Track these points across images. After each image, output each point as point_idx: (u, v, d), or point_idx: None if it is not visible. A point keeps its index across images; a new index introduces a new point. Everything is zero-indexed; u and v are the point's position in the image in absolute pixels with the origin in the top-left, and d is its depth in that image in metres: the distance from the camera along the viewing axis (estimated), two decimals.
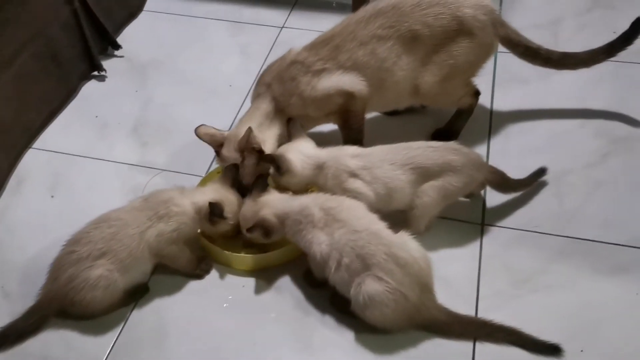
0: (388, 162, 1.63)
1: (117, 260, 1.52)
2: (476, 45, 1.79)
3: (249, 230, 1.57)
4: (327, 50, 1.77)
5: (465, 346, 1.50)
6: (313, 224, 1.51)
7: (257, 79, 1.93)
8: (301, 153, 1.70)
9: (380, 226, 1.51)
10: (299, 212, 1.54)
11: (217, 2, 2.68)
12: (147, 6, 2.69)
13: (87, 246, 1.51)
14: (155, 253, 1.57)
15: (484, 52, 1.85)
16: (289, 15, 2.60)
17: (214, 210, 1.60)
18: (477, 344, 1.50)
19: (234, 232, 1.68)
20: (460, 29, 1.77)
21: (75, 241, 1.55)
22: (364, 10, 1.79)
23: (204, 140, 1.81)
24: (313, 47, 1.81)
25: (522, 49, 1.90)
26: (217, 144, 1.80)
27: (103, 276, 1.50)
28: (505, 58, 2.19)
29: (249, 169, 1.72)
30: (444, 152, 1.63)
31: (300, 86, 1.77)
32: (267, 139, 1.79)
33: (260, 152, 1.73)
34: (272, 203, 1.61)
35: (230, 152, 1.76)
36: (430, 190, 1.62)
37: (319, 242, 1.49)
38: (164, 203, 1.58)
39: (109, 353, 1.54)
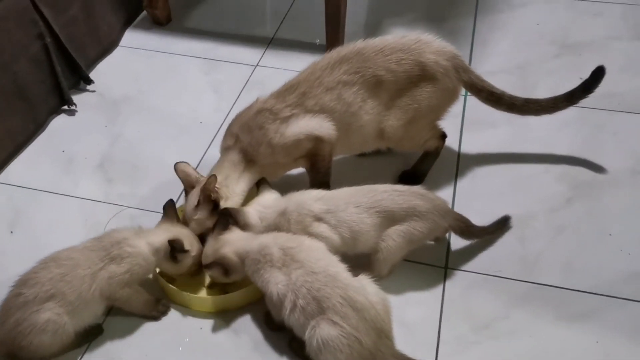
0: (353, 204, 1.62)
1: (66, 303, 1.47)
2: (439, 90, 1.82)
3: (207, 267, 1.55)
4: (294, 96, 1.78)
5: None
6: (271, 264, 1.49)
7: (226, 123, 1.92)
8: (259, 204, 1.71)
9: (339, 269, 1.49)
10: (258, 251, 1.53)
11: (194, 39, 2.70)
12: (122, 41, 2.71)
13: (34, 288, 1.46)
14: (107, 296, 1.53)
15: (447, 97, 1.87)
16: (263, 54, 2.63)
17: (175, 246, 1.57)
18: None
19: (196, 266, 1.65)
20: (423, 75, 1.79)
21: (22, 282, 1.50)
22: (329, 57, 1.81)
23: (179, 177, 1.79)
24: (280, 94, 1.81)
25: (485, 94, 1.93)
26: (189, 185, 1.78)
27: (51, 320, 1.45)
28: (474, 100, 2.23)
29: (199, 221, 1.70)
30: (410, 196, 1.64)
31: (268, 134, 1.76)
32: (232, 195, 1.77)
33: (215, 203, 1.71)
34: (233, 241, 1.59)
35: (194, 197, 1.73)
36: (395, 235, 1.61)
37: (276, 282, 1.48)
38: (117, 243, 1.55)
39: None
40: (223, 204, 1.72)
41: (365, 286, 1.49)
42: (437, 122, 1.94)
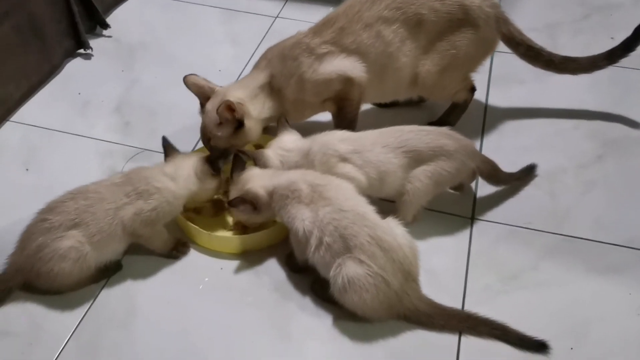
0: (380, 145, 1.57)
1: (89, 234, 1.44)
2: (478, 38, 1.76)
3: (233, 204, 1.50)
4: (331, 32, 1.72)
5: (450, 340, 1.44)
6: (299, 200, 1.45)
7: (245, 72, 1.88)
8: (280, 148, 1.65)
9: (367, 209, 1.45)
10: (287, 186, 1.48)
11: None
12: None
13: (60, 215, 1.44)
14: (130, 232, 1.49)
15: (485, 47, 1.82)
16: (284, 6, 2.56)
17: (215, 156, 1.58)
18: (463, 338, 1.44)
19: (216, 192, 1.64)
20: (465, 19, 1.73)
21: (48, 209, 1.47)
22: None
23: (191, 90, 1.74)
24: (318, 29, 1.75)
25: (523, 49, 1.87)
26: (204, 97, 1.74)
27: (73, 248, 1.42)
28: (502, 58, 2.17)
29: (222, 139, 1.68)
30: (438, 136, 1.58)
31: (301, 67, 1.71)
32: (254, 116, 1.72)
33: (240, 122, 1.67)
34: (257, 177, 1.54)
35: (214, 107, 1.68)
36: (422, 175, 1.56)
37: (303, 218, 1.43)
38: (144, 179, 1.51)
39: (73, 332, 1.46)
40: (247, 121, 1.68)
41: (393, 227, 1.45)
42: (470, 73, 1.88)
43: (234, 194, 1.55)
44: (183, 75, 2.18)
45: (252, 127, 1.72)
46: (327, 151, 1.57)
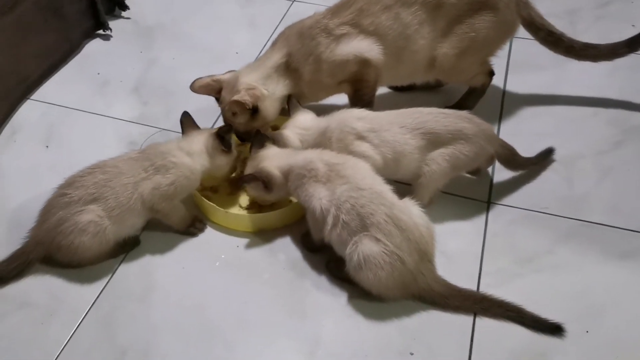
0: (397, 125, 1.56)
1: (108, 208, 1.46)
2: (498, 21, 1.74)
3: (246, 180, 1.51)
4: (349, 13, 1.72)
5: (464, 320, 1.44)
6: (316, 179, 1.45)
7: (267, 47, 1.87)
8: (298, 127, 1.65)
9: (384, 188, 1.45)
10: (303, 165, 1.48)
11: None
12: None
13: (79, 190, 1.46)
14: (149, 207, 1.51)
15: (505, 30, 1.80)
16: None
17: (223, 131, 1.58)
18: (477, 320, 1.44)
19: (233, 169, 1.66)
20: (485, 1, 1.71)
21: (67, 184, 1.49)
22: None
23: (201, 93, 1.76)
24: (337, 9, 1.75)
25: (543, 34, 1.84)
26: (216, 92, 1.76)
27: (93, 222, 1.44)
28: (521, 44, 2.15)
29: (242, 125, 1.70)
30: (457, 119, 1.57)
31: (319, 47, 1.71)
32: (269, 95, 1.73)
33: (254, 109, 1.67)
34: (272, 156, 1.55)
35: (227, 97, 1.70)
36: (440, 158, 1.56)
37: (320, 197, 1.43)
38: (161, 154, 1.52)
39: (92, 305, 1.48)
40: (262, 105, 1.69)
41: (410, 207, 1.45)
42: (489, 57, 1.86)
43: (249, 170, 1.56)
44: (200, 58, 2.23)
45: (269, 106, 1.73)
46: (345, 128, 1.57)
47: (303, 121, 1.67)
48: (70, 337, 1.42)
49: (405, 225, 1.39)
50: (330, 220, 1.42)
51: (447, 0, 1.70)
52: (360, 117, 1.60)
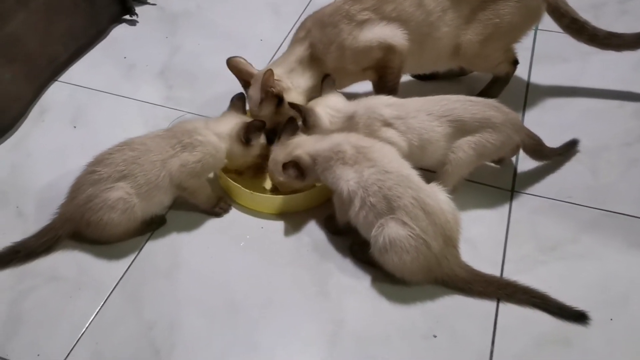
0: (425, 112, 1.56)
1: (137, 185, 1.48)
2: (523, 7, 1.74)
3: (284, 167, 1.52)
4: None
5: (488, 305, 1.44)
6: (343, 161, 1.46)
7: (286, 42, 1.89)
8: (329, 107, 1.65)
9: (411, 172, 1.45)
10: (330, 148, 1.49)
11: None
12: None
13: (108, 167, 1.48)
14: (176, 184, 1.53)
15: (530, 16, 1.79)
16: None
17: (252, 127, 1.57)
18: (501, 305, 1.44)
19: (263, 158, 1.64)
20: None
21: (97, 161, 1.51)
22: None
23: (232, 72, 1.76)
24: None
25: (567, 21, 1.83)
26: (243, 80, 1.76)
27: (122, 199, 1.46)
28: (545, 36, 2.14)
29: (267, 117, 1.68)
30: (484, 107, 1.57)
31: (341, 34, 1.70)
32: (294, 88, 1.74)
33: (279, 97, 1.68)
34: (304, 143, 1.56)
35: (255, 92, 1.71)
36: (466, 146, 1.56)
37: (347, 179, 1.44)
38: (188, 133, 1.54)
39: (119, 280, 1.50)
40: (287, 97, 1.69)
41: (436, 192, 1.45)
42: (513, 44, 1.86)
43: (280, 156, 1.56)
44: (225, 44, 2.24)
45: (294, 99, 1.72)
46: (372, 115, 1.58)
47: (334, 103, 1.66)
48: (98, 310, 1.44)
49: (432, 209, 1.39)
50: (357, 202, 1.42)
51: None
52: (388, 104, 1.60)
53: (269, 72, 1.65)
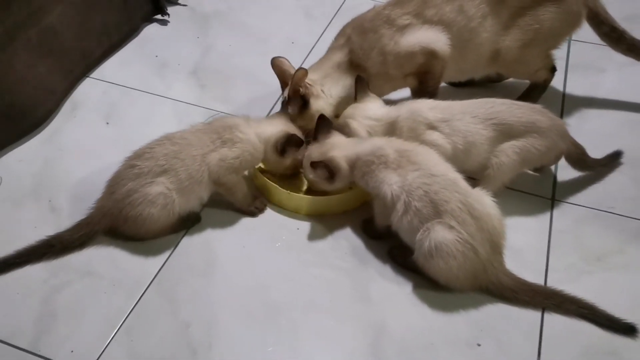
0: (470, 114, 1.54)
1: (177, 180, 1.45)
2: (563, 12, 1.72)
3: (313, 166, 1.49)
4: (413, 4, 1.70)
5: (533, 315, 1.40)
6: (386, 165, 1.43)
7: (318, 45, 1.86)
8: (367, 117, 1.61)
9: (457, 175, 1.42)
10: (372, 152, 1.46)
11: None
12: None
13: (149, 161, 1.45)
14: (214, 179, 1.50)
15: (570, 21, 1.76)
16: None
17: (291, 141, 1.54)
18: (546, 315, 1.40)
19: (293, 170, 1.62)
20: None
21: (137, 156, 1.49)
22: None
23: (274, 71, 1.73)
24: (399, 1, 1.72)
25: (606, 29, 1.81)
26: (284, 82, 1.74)
27: (162, 193, 1.44)
28: (578, 47, 2.12)
29: (292, 115, 1.66)
30: (530, 111, 1.54)
31: (383, 40, 1.68)
32: (323, 96, 1.70)
33: (304, 99, 1.65)
34: (342, 145, 1.53)
35: (285, 93, 1.69)
36: (510, 150, 1.53)
37: (391, 183, 1.41)
38: (229, 128, 1.52)
39: (154, 276, 1.47)
40: (313, 102, 1.66)
41: (483, 197, 1.42)
42: (552, 50, 1.83)
43: (314, 153, 1.54)
44: (256, 45, 2.22)
45: (321, 108, 1.69)
46: (417, 118, 1.55)
47: (372, 111, 1.62)
48: (133, 307, 1.41)
49: (479, 214, 1.36)
50: (400, 207, 1.39)
51: None
52: (432, 107, 1.57)
53: (301, 71, 1.63)
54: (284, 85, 1.74)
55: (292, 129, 1.59)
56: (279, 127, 1.57)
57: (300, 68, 1.65)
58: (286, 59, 1.74)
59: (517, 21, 1.71)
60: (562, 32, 1.79)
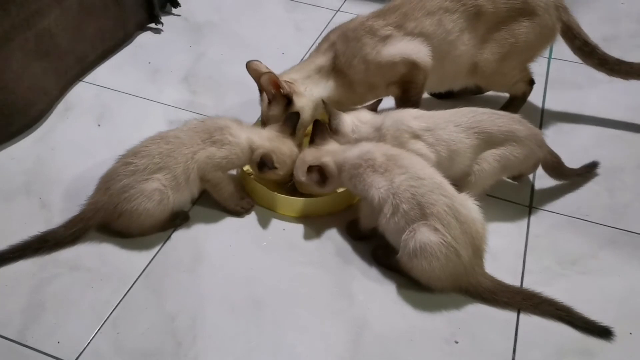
0: (453, 123, 1.59)
1: (171, 177, 1.50)
2: (537, 26, 1.79)
3: (308, 169, 1.53)
4: (395, 16, 1.76)
5: (509, 315, 1.45)
6: (373, 169, 1.47)
7: (309, 50, 1.91)
8: (357, 118, 1.68)
9: (443, 180, 1.47)
10: (359, 156, 1.50)
11: None
12: None
13: (145, 159, 1.49)
14: (201, 175, 1.55)
15: (545, 35, 1.84)
16: (345, 0, 2.63)
17: (265, 163, 1.57)
18: (522, 315, 1.45)
19: (284, 179, 1.66)
20: (523, 8, 1.77)
21: (132, 153, 1.53)
22: None
23: (251, 75, 1.76)
24: (381, 13, 1.79)
25: (579, 43, 1.89)
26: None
27: (158, 190, 1.48)
28: (557, 65, 2.20)
29: (274, 117, 1.70)
30: (510, 120, 1.61)
31: (365, 49, 1.74)
32: (305, 94, 1.74)
33: (289, 99, 1.69)
34: (333, 152, 1.57)
35: (268, 87, 1.70)
36: (491, 158, 1.59)
37: (378, 187, 1.45)
38: (220, 129, 1.57)
39: (142, 272, 1.50)
40: (297, 100, 1.70)
41: (468, 201, 1.46)
42: (529, 63, 1.91)
43: (309, 157, 1.58)
44: (247, 55, 2.27)
45: (304, 106, 1.73)
46: (401, 127, 1.60)
47: (363, 115, 1.69)
48: (120, 300, 1.44)
49: (464, 218, 1.41)
50: (387, 209, 1.43)
51: (486, 10, 1.75)
52: (416, 116, 1.63)
53: (267, 75, 1.66)
54: (260, 86, 1.79)
55: (277, 146, 1.61)
56: (264, 142, 1.60)
57: (266, 73, 1.67)
58: (259, 61, 1.77)
59: (493, 35, 1.79)
60: (538, 45, 1.86)
